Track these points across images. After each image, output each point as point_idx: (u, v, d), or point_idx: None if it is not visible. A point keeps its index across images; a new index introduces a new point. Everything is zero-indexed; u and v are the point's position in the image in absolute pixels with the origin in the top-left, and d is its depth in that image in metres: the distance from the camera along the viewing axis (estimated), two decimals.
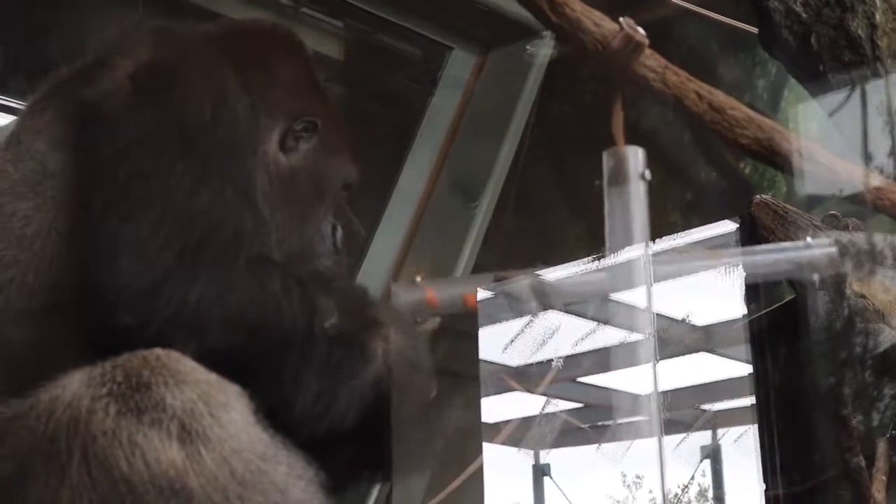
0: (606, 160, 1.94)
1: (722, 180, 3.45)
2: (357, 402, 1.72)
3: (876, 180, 2.25)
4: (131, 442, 1.47)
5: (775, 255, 2.05)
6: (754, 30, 2.50)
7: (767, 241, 2.18)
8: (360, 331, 1.74)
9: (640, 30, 2.20)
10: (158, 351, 1.53)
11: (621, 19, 2.20)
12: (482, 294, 1.97)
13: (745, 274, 1.91)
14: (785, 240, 2.14)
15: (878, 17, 2.36)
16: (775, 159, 2.29)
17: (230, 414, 1.53)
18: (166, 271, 1.57)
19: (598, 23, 2.19)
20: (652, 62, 2.22)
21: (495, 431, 2.24)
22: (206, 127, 1.71)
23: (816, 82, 2.40)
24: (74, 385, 1.51)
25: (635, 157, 1.93)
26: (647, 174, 1.91)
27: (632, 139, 2.04)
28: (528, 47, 3.50)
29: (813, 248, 2.04)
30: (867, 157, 2.29)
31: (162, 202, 1.62)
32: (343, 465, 1.82)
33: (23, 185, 1.71)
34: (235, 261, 1.65)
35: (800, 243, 2.06)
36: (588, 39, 2.19)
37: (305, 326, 1.66)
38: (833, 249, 2.03)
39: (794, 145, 2.26)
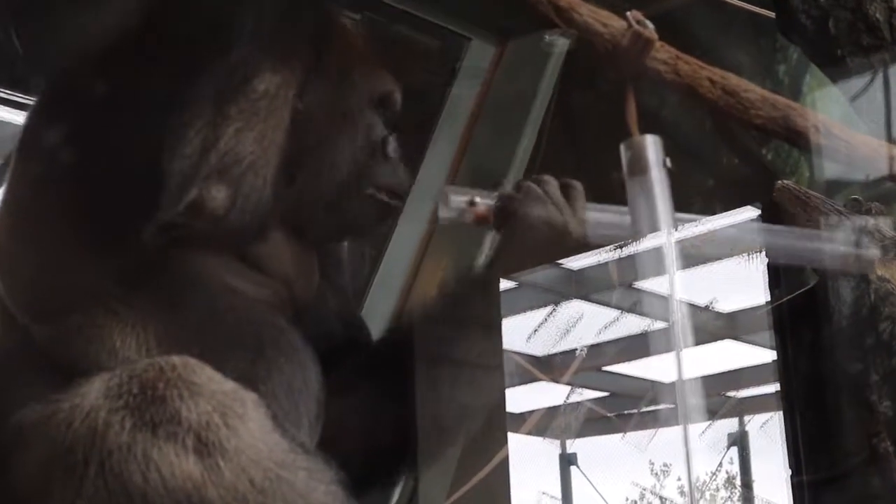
0: (624, 151, 1.93)
1: (744, 166, 3.44)
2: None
3: None
4: (146, 456, 1.47)
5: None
6: (773, 15, 2.49)
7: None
8: None
9: (649, 24, 2.18)
10: (175, 360, 1.53)
11: (628, 14, 2.18)
12: None
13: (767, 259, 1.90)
14: (807, 225, 2.13)
15: None
16: (792, 137, 2.29)
17: (247, 424, 1.53)
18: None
19: (606, 23, 2.18)
20: (663, 54, 2.20)
21: (521, 421, 2.24)
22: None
23: (836, 67, 2.39)
24: (92, 395, 1.52)
25: (654, 146, 1.93)
26: (668, 162, 1.91)
27: (652, 127, 2.03)
28: (546, 37, 3.50)
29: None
30: (891, 138, 2.28)
31: None
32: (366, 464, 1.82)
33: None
34: None
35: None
36: (597, 41, 2.18)
37: None
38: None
39: (809, 121, 2.25)
